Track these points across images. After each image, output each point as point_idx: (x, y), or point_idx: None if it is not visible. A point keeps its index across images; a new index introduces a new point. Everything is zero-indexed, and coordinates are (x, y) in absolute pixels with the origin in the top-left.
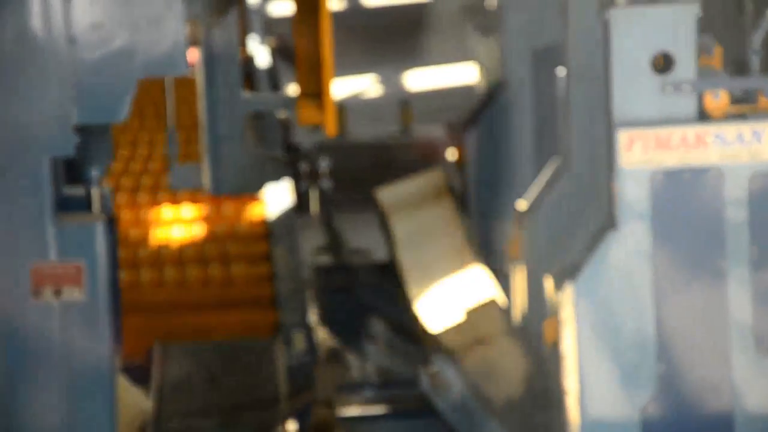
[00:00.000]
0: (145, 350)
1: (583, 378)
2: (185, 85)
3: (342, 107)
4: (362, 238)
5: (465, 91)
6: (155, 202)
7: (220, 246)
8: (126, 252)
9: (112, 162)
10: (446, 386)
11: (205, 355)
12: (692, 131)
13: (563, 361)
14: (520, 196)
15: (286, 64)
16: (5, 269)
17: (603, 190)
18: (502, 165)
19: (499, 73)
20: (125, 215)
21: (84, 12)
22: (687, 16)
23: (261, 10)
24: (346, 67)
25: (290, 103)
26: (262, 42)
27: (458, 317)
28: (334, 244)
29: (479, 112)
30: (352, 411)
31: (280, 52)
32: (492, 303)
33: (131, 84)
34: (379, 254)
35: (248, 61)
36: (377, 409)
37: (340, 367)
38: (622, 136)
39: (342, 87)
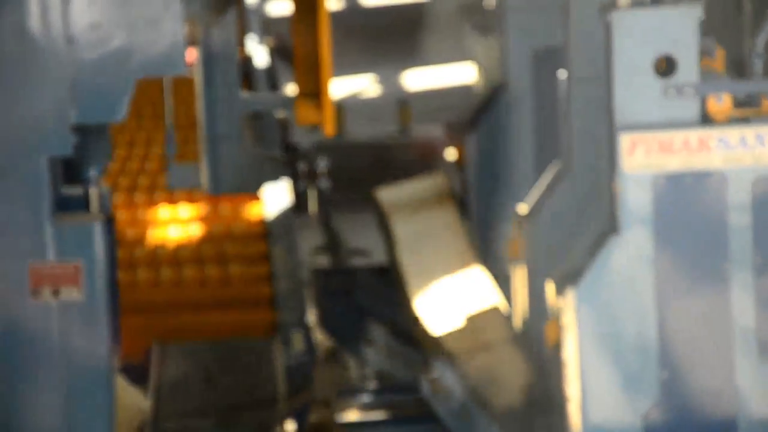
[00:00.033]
0: (144, 350)
1: (585, 384)
2: (183, 84)
3: (340, 107)
4: (361, 238)
5: (463, 91)
6: (152, 202)
7: (218, 246)
8: (123, 252)
9: (111, 162)
10: (447, 392)
11: (203, 355)
12: (695, 135)
13: (565, 367)
14: (520, 199)
15: (285, 63)
16: (4, 269)
17: (605, 194)
18: (503, 167)
19: (499, 74)
20: (122, 215)
21: (82, 12)
22: (689, 19)
23: (259, 10)
24: (344, 67)
25: (288, 102)
26: (261, 42)
27: (461, 322)
28: (333, 244)
29: (479, 114)
30: (351, 416)
31: (279, 52)
32: (495, 310)
33: (129, 84)
34: (378, 255)
35: (246, 60)
36: (377, 415)
37: (339, 367)
38: (624, 140)
39: (340, 87)
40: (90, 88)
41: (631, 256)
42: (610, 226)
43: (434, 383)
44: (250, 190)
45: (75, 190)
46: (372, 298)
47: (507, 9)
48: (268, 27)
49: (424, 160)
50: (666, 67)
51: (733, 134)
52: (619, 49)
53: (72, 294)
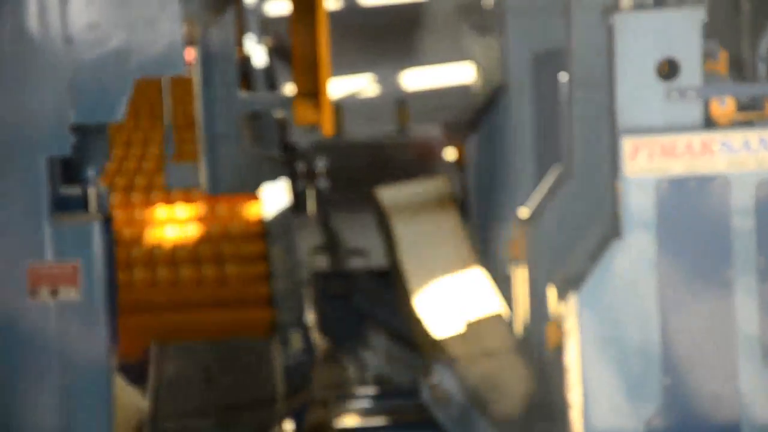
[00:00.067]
0: (143, 350)
1: (587, 390)
2: (179, 84)
3: (338, 107)
4: (359, 238)
5: (461, 91)
6: (149, 202)
7: (216, 245)
8: (120, 252)
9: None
10: (447, 397)
11: (202, 355)
12: (698, 139)
13: (566, 373)
14: (521, 202)
15: (283, 63)
16: (2, 269)
17: (607, 199)
18: (503, 169)
19: (498, 75)
20: (119, 215)
21: (80, 12)
22: (692, 21)
23: (258, 10)
24: (342, 67)
25: (287, 102)
26: (259, 41)
27: (463, 326)
28: (331, 243)
29: (479, 115)
30: (350, 421)
31: (277, 52)
32: (498, 317)
33: (128, 84)
34: (377, 255)
35: (245, 60)
36: (376, 420)
37: (337, 367)
38: (627, 144)
39: (339, 86)
40: (88, 88)
41: (633, 260)
42: (612, 231)
43: (434, 388)
44: (248, 189)
45: (73, 190)
46: (371, 301)
47: (507, 11)
48: (267, 27)
49: (423, 160)
50: (669, 70)
51: (737, 138)
52: (622, 52)
53: (70, 294)
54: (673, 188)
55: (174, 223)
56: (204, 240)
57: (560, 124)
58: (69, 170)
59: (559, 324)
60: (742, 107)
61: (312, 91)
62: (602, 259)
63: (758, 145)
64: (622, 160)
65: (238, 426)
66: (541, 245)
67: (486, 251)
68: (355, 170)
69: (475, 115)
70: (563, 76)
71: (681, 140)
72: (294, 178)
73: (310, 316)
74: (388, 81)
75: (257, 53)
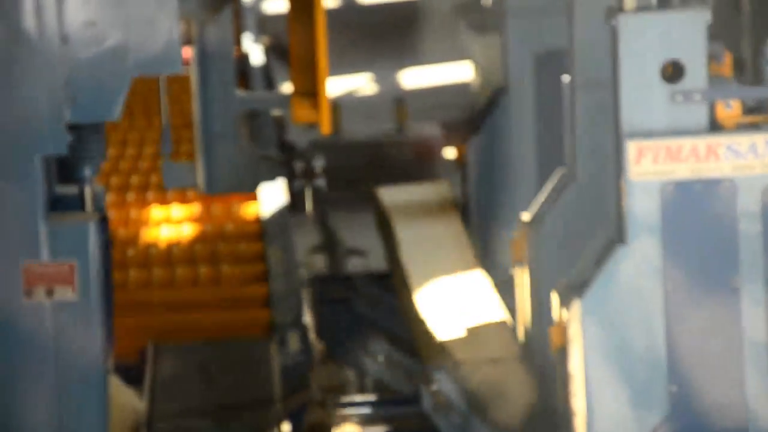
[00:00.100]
0: (139, 350)
1: (591, 398)
2: (175, 83)
3: (336, 105)
4: (357, 238)
5: (460, 89)
6: (145, 202)
7: (212, 245)
8: (115, 252)
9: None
10: (448, 405)
11: (199, 355)
12: (703, 142)
13: (570, 381)
14: (523, 206)
15: (281, 62)
16: None
17: (611, 203)
18: (504, 172)
19: (498, 74)
20: (114, 215)
21: (77, 10)
22: (697, 23)
23: (255, 8)
24: (340, 65)
25: (285, 101)
26: (257, 40)
27: (469, 332)
28: (329, 243)
29: (480, 118)
30: (349, 429)
31: (275, 50)
32: (503, 323)
33: (125, 82)
34: (375, 255)
35: (242, 59)
36: (376, 429)
37: (336, 368)
38: (631, 148)
39: (336, 85)
40: (85, 86)
41: (638, 266)
42: (616, 236)
43: (436, 395)
44: (246, 189)
45: (69, 190)
46: (371, 306)
47: (507, 11)
48: (264, 25)
49: (422, 159)
50: (673, 72)
51: (743, 141)
52: (625, 54)
53: (66, 294)
54: (678, 192)
55: (170, 223)
56: (200, 240)
57: (563, 126)
58: (65, 169)
59: (562, 326)
60: (747, 110)
61: (310, 90)
62: (606, 266)
63: (765, 149)
64: (627, 163)
65: (235, 427)
66: (544, 250)
67: (487, 256)
68: (353, 169)
69: (476, 116)
70: (565, 79)
71: (686, 144)
72: (292, 177)
73: (308, 317)
74: (386, 79)
75: (255, 52)
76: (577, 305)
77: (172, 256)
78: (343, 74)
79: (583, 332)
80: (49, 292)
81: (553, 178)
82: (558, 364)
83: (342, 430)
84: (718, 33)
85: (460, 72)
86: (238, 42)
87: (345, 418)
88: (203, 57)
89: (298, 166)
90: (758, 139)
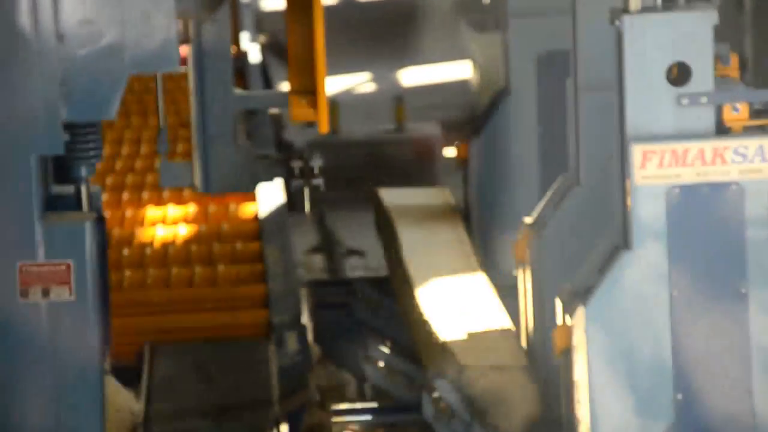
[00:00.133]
0: (136, 351)
1: (596, 406)
2: (170, 81)
3: (335, 104)
4: (356, 237)
5: (459, 88)
6: (140, 201)
7: (209, 245)
8: (111, 252)
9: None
10: (450, 412)
11: (196, 356)
12: (710, 146)
13: (574, 388)
14: (525, 210)
15: (279, 60)
16: None
17: (616, 208)
18: (506, 175)
19: (498, 73)
20: (109, 214)
21: (73, 8)
22: (704, 24)
23: (253, 6)
24: (339, 64)
25: (282, 100)
26: (254, 38)
27: (474, 337)
28: (328, 243)
29: (481, 120)
30: None
31: (273, 49)
32: (509, 331)
33: (121, 81)
34: (374, 255)
35: (240, 57)
36: None
37: (334, 369)
38: (636, 151)
39: (335, 84)
40: (81, 85)
41: (643, 272)
42: (621, 241)
43: (437, 403)
44: (243, 189)
45: (65, 189)
46: (371, 311)
47: (508, 12)
48: (262, 23)
49: (421, 158)
50: (679, 74)
51: (750, 145)
52: (630, 56)
53: (62, 294)
54: (684, 197)
55: (166, 223)
56: (197, 240)
57: (565, 128)
58: (61, 169)
59: (564, 329)
60: (755, 113)
61: (308, 89)
62: (611, 271)
63: None
64: (632, 167)
65: (233, 428)
66: (547, 255)
67: (489, 260)
68: (351, 168)
69: (477, 118)
70: (569, 82)
71: (692, 147)
72: (290, 176)
73: (306, 318)
74: (385, 78)
75: (253, 50)
76: (581, 312)
77: (168, 256)
78: (341, 73)
79: (587, 339)
80: (45, 293)
81: (556, 182)
82: (562, 370)
83: None
84: (720, 33)
85: (459, 71)
86: (235, 40)
87: (345, 426)
88: (200, 55)
89: (296, 165)
90: (766, 142)
